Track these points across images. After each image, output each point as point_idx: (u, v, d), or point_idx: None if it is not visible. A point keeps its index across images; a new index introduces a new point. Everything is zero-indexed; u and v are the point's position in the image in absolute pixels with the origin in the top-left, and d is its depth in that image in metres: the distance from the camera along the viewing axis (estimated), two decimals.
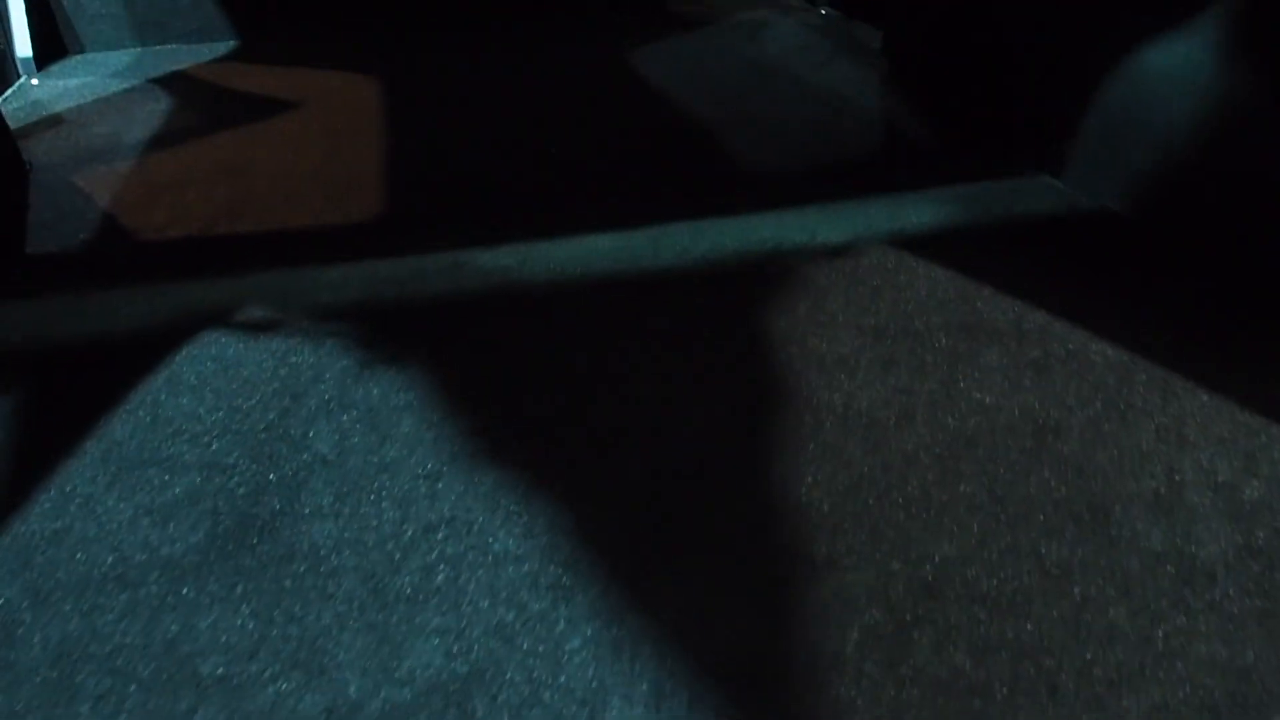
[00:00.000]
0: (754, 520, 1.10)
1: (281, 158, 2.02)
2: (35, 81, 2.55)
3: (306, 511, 1.09)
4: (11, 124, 2.23)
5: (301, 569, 1.03)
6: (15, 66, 2.56)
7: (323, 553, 1.05)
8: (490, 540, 1.06)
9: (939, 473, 1.15)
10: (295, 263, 1.62)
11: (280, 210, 1.80)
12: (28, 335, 1.44)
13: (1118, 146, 1.72)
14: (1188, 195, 1.63)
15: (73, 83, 2.53)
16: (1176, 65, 1.62)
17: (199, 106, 2.32)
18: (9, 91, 2.48)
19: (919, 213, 1.75)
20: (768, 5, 3.16)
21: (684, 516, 1.10)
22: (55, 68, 2.65)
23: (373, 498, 1.11)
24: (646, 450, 1.19)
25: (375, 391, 1.28)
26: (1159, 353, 1.35)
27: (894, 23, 2.38)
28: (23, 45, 2.56)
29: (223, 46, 2.83)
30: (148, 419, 1.24)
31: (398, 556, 1.04)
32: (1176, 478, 1.13)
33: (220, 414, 1.25)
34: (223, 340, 1.40)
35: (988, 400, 1.26)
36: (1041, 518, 1.08)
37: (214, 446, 1.19)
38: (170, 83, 2.50)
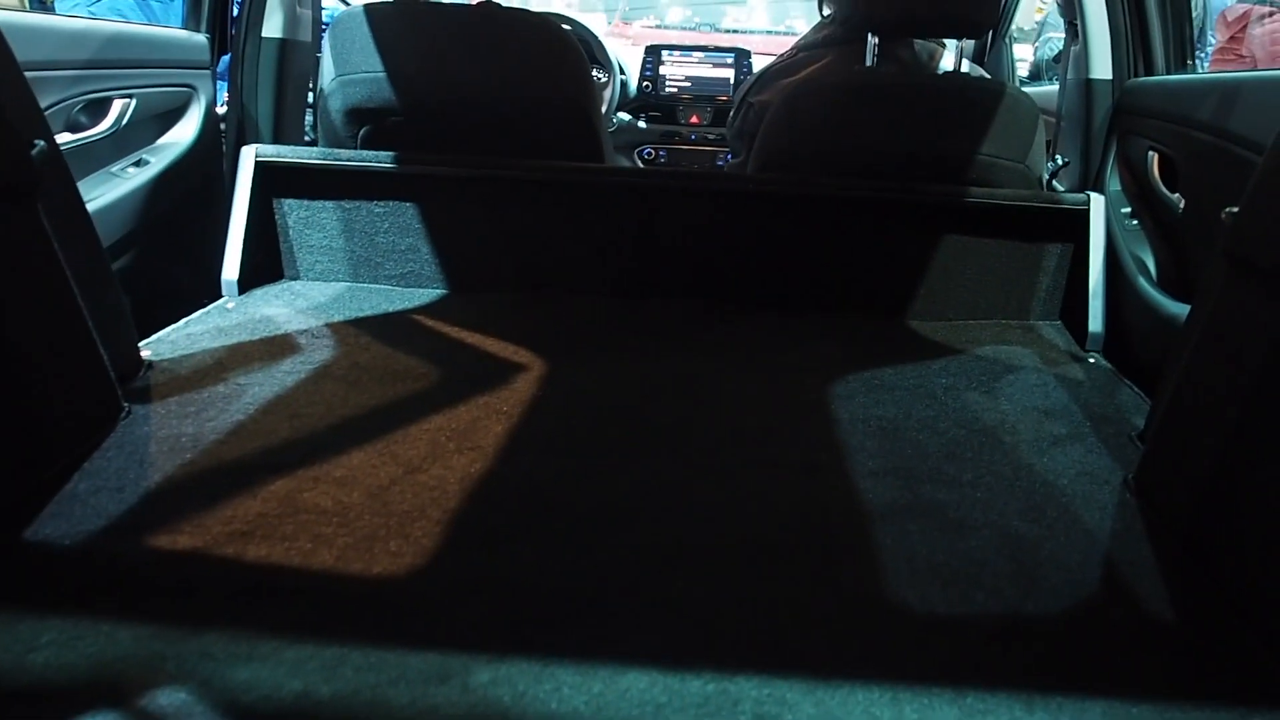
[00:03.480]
0: None
1: (369, 459, 1.78)
2: (231, 305, 2.57)
3: None
4: (176, 350, 2.20)
5: None
6: (219, 288, 2.62)
7: None
8: None
9: None
10: (262, 623, 1.31)
11: (319, 535, 1.53)
12: None
13: None
14: None
15: (262, 311, 2.53)
16: None
17: (342, 371, 2.18)
18: (198, 312, 2.50)
19: None
20: (1030, 341, 2.65)
21: None
22: (259, 292, 2.68)
23: None
24: None
25: None
26: None
27: (1154, 436, 1.79)
28: (231, 268, 2.61)
29: (427, 294, 2.77)
30: None
31: None
32: None
33: None
34: None
35: None
36: None
37: None
38: (341, 334, 2.41)
